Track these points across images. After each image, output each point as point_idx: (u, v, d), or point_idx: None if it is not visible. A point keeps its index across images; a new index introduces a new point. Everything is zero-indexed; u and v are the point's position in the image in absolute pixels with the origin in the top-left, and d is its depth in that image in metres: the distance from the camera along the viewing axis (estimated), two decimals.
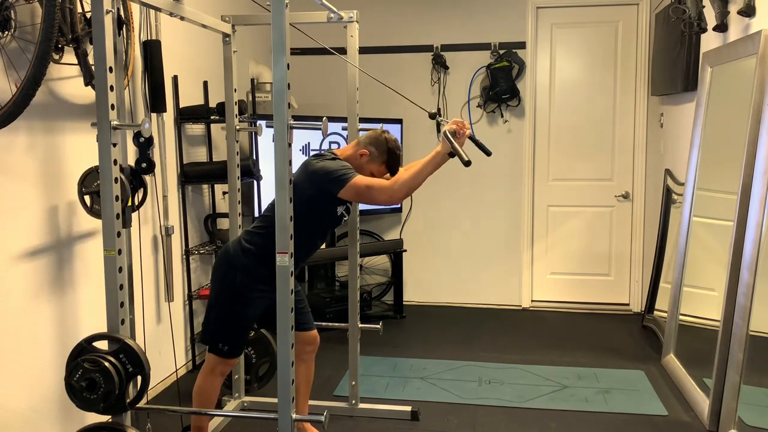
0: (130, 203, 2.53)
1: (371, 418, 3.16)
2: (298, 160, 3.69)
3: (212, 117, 3.68)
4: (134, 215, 3.06)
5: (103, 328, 1.96)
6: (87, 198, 2.50)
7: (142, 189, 2.69)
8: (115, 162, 1.88)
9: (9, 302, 2.37)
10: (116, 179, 1.88)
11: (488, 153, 2.47)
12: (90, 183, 2.49)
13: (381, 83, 2.85)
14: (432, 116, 2.51)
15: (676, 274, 3.69)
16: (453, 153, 2.31)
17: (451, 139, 2.29)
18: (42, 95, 2.49)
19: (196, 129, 3.84)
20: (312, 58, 4.85)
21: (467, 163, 2.21)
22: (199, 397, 2.53)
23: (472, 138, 2.40)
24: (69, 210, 2.68)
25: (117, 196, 1.89)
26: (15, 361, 2.40)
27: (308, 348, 2.78)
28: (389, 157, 2.55)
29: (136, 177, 2.63)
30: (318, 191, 2.40)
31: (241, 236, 2.52)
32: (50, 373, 2.57)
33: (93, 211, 2.52)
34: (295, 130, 2.64)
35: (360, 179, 2.37)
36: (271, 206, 2.48)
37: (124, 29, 2.74)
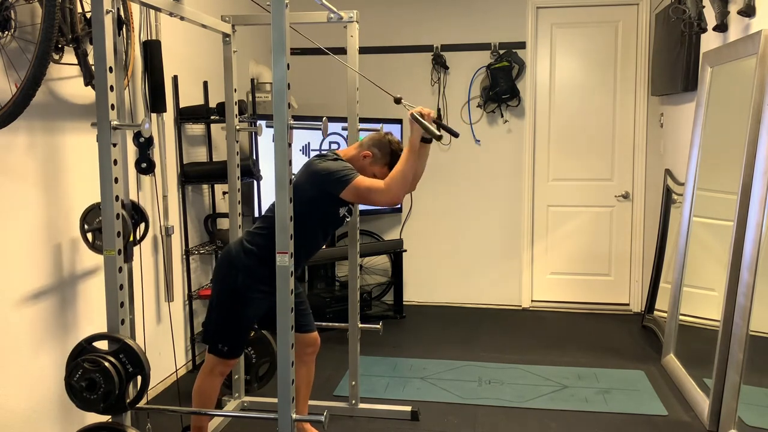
0: (132, 238, 2.55)
1: (371, 418, 3.16)
2: (298, 160, 3.70)
3: (212, 117, 3.68)
4: None
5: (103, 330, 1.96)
6: (89, 235, 2.52)
7: (143, 223, 2.71)
8: (115, 162, 1.88)
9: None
10: (116, 179, 1.88)
11: (455, 134, 2.55)
12: (92, 219, 2.51)
13: (368, 78, 2.85)
14: (397, 101, 2.52)
15: (676, 274, 3.69)
16: (427, 138, 2.39)
17: (419, 118, 2.35)
18: (42, 95, 2.49)
19: (196, 129, 3.84)
20: (312, 58, 4.84)
21: (439, 137, 2.34)
22: (199, 397, 2.53)
23: (437, 122, 2.46)
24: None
25: (117, 196, 1.89)
26: (15, 361, 2.40)
27: (309, 350, 2.78)
28: (392, 158, 2.54)
29: (138, 211, 2.66)
30: (320, 192, 2.40)
31: (243, 237, 2.51)
32: (50, 373, 2.57)
33: (95, 247, 2.53)
34: (295, 130, 2.64)
35: (361, 181, 2.36)
36: (273, 207, 2.48)
37: (124, 29, 2.74)
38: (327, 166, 2.41)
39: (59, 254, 2.62)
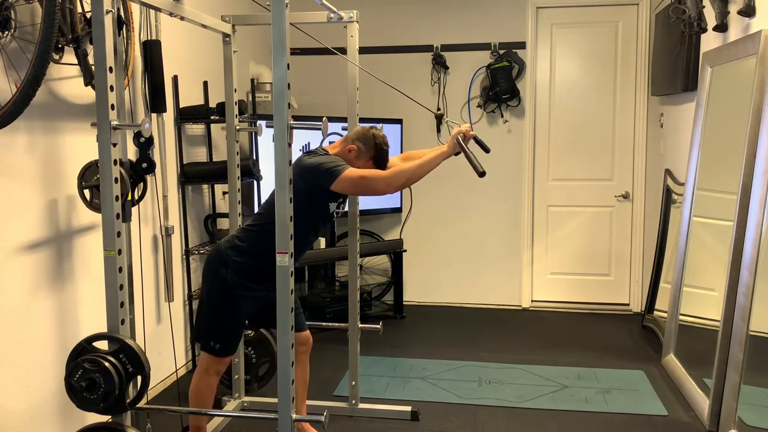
0: (129, 198, 2.53)
1: (371, 418, 3.16)
2: None
3: (212, 117, 3.68)
4: (134, 215, 3.06)
5: (103, 326, 1.95)
6: (87, 192, 2.50)
7: (141, 183, 2.69)
8: (116, 162, 1.88)
9: (8, 298, 2.37)
10: (116, 179, 1.89)
11: (487, 150, 2.59)
12: (90, 177, 2.49)
13: (383, 82, 2.85)
14: (438, 117, 2.56)
15: (676, 274, 3.69)
16: (459, 153, 2.42)
17: (464, 145, 2.40)
18: (42, 95, 2.49)
19: (196, 129, 3.84)
20: (312, 58, 4.85)
21: (482, 174, 2.33)
22: (196, 397, 2.52)
23: (476, 139, 2.51)
24: (69, 204, 2.67)
25: (117, 196, 1.89)
26: (15, 361, 2.40)
27: (301, 348, 2.78)
28: (377, 152, 2.57)
29: (136, 172, 2.62)
30: (311, 187, 2.40)
31: (234, 234, 2.53)
32: (50, 373, 2.57)
33: (93, 205, 2.52)
34: (295, 130, 2.64)
35: (352, 170, 2.38)
36: (265, 204, 2.48)
37: (124, 29, 2.74)
38: (317, 160, 2.43)
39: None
